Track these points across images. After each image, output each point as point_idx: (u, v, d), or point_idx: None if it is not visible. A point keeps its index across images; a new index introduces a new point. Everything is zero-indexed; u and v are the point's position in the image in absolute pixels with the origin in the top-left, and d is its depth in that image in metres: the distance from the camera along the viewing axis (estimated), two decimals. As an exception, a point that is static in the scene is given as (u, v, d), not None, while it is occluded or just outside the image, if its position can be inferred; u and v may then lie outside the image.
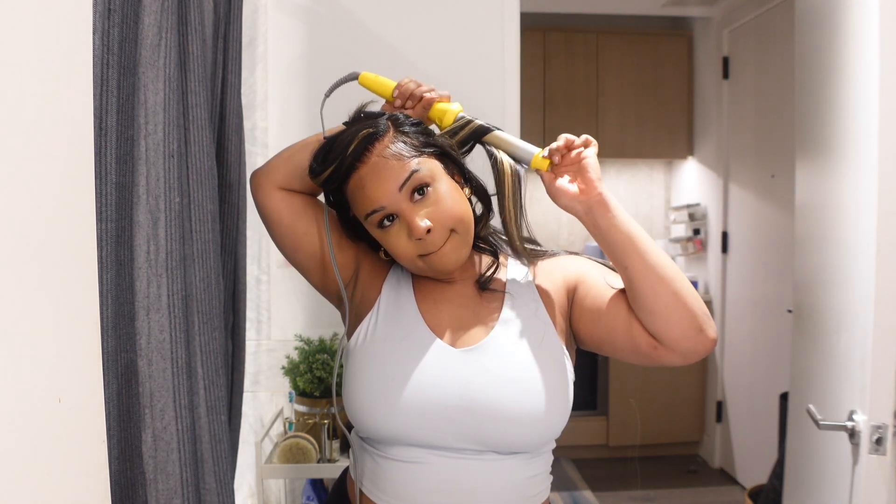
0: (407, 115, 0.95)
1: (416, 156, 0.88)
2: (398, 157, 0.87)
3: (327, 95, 1.02)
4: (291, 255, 1.01)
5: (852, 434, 1.19)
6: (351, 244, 1.00)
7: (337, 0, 1.92)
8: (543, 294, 0.96)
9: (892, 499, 1.17)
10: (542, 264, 1.00)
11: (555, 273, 0.98)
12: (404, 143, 0.89)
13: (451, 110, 0.96)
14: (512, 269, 0.99)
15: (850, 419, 1.20)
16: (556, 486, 3.12)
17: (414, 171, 0.86)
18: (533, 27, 3.47)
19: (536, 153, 0.93)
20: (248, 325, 1.62)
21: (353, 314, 1.00)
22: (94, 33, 0.74)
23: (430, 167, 0.89)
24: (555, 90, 3.59)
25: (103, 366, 0.73)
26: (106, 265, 0.78)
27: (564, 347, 0.93)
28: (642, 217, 4.02)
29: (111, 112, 0.79)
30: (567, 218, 3.98)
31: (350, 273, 1.00)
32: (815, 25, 1.44)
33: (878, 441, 1.15)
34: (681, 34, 3.68)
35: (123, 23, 0.81)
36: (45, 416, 0.57)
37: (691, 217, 3.62)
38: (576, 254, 1.01)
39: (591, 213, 0.88)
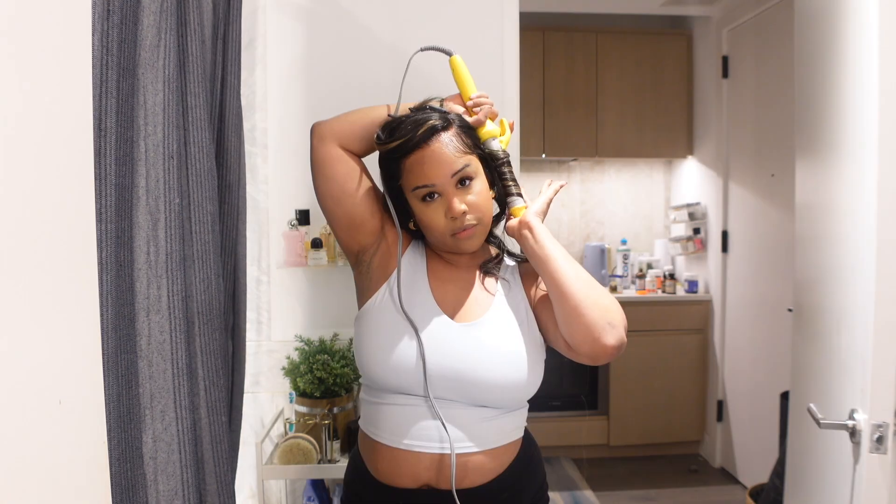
0: (463, 118, 1.09)
1: (469, 153, 1.05)
2: (456, 149, 1.04)
3: (422, 50, 1.15)
4: (333, 207, 1.10)
5: (853, 433, 1.19)
6: (382, 215, 1.12)
7: (336, 1, 1.92)
8: (528, 284, 1.13)
9: (893, 498, 1.17)
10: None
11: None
12: (462, 140, 1.05)
13: (485, 132, 1.10)
14: (509, 261, 1.17)
15: (851, 418, 1.20)
16: (556, 486, 3.12)
17: (466, 165, 1.04)
18: (532, 27, 3.46)
19: (520, 206, 1.10)
20: (248, 325, 1.62)
21: (370, 278, 1.12)
22: (93, 34, 0.74)
23: (476, 166, 1.06)
24: (554, 90, 3.59)
25: (104, 367, 0.73)
26: (106, 266, 0.78)
27: (540, 330, 1.09)
28: (642, 217, 4.03)
29: (110, 113, 0.79)
30: (567, 218, 3.98)
31: (374, 239, 1.12)
32: (815, 24, 1.44)
33: (879, 440, 1.15)
34: (680, 33, 3.68)
35: (122, 24, 0.81)
36: (45, 417, 0.57)
37: (691, 216, 3.62)
38: None
39: (518, 234, 1.07)
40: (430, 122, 1.03)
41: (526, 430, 1.12)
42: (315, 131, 1.11)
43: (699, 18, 3.56)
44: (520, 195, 1.12)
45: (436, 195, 1.04)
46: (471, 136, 1.08)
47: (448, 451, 1.02)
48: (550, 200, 1.11)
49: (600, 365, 0.99)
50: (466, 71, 1.15)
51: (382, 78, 1.89)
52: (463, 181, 1.04)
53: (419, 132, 1.02)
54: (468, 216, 1.03)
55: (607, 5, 3.48)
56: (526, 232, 1.05)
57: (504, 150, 1.12)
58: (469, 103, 1.12)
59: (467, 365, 1.02)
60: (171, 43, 0.92)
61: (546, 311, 1.07)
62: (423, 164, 1.03)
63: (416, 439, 1.03)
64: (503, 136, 1.12)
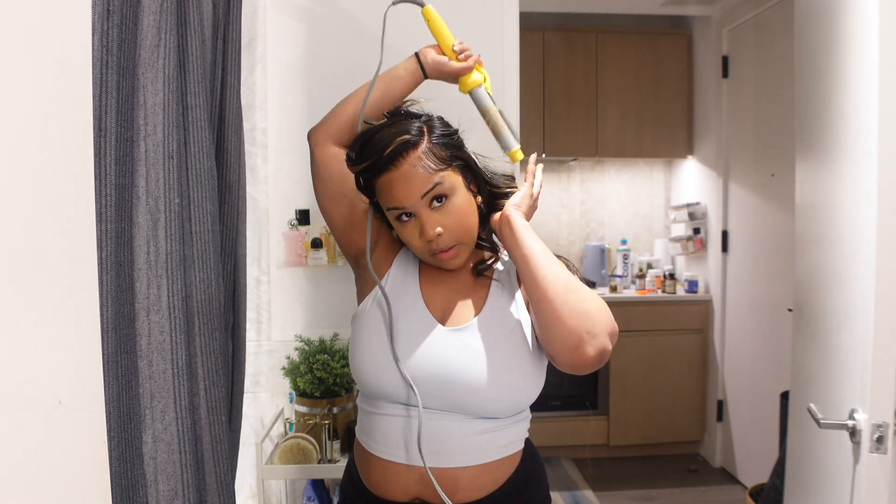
0: (442, 120, 1.04)
1: (442, 169, 0.98)
2: (427, 168, 0.97)
3: (393, 4, 1.14)
4: (330, 208, 1.10)
5: (853, 433, 1.19)
6: (376, 220, 1.10)
7: (336, 1, 1.92)
8: (522, 287, 1.06)
9: (893, 497, 1.17)
10: None
11: None
12: (434, 154, 0.99)
13: (472, 80, 1.11)
14: (503, 264, 1.10)
15: (851, 418, 1.20)
16: (556, 486, 3.12)
17: (437, 184, 0.97)
18: (532, 27, 3.46)
19: (515, 148, 1.12)
20: (248, 325, 1.62)
21: (365, 281, 1.10)
22: (93, 34, 0.74)
23: (452, 181, 1.00)
24: (554, 90, 3.58)
25: (104, 367, 0.73)
26: (106, 267, 0.78)
27: (535, 336, 1.02)
28: (642, 216, 4.03)
29: (110, 113, 0.79)
30: (567, 218, 3.98)
31: (371, 242, 1.10)
32: (815, 24, 1.44)
33: (879, 440, 1.15)
34: (680, 33, 3.68)
35: (122, 24, 0.81)
36: (45, 417, 0.57)
37: (691, 216, 3.62)
38: None
39: (500, 230, 1.02)
40: (399, 138, 0.97)
41: (527, 443, 1.07)
42: (310, 137, 1.10)
43: (699, 18, 3.56)
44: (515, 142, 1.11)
45: (412, 215, 0.99)
46: (447, 146, 1.01)
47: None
48: (534, 187, 1.05)
49: (575, 374, 0.95)
50: (441, 21, 1.12)
51: (382, 78, 1.88)
52: (438, 199, 0.98)
53: (386, 152, 0.96)
54: (443, 239, 0.98)
55: (607, 5, 3.48)
56: (505, 227, 1.00)
57: (491, 97, 1.12)
58: (456, 48, 1.11)
59: (453, 370, 0.97)
60: (171, 43, 0.92)
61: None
62: (391, 186, 0.98)
63: (406, 451, 0.99)
64: (487, 83, 1.11)
